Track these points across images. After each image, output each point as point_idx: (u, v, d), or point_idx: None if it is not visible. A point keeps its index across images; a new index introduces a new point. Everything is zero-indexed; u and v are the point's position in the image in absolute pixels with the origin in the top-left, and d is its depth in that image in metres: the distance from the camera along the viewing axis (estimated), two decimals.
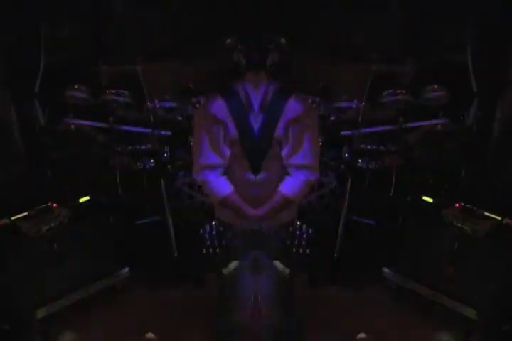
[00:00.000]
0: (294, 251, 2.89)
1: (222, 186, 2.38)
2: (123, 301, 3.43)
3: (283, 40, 3.41)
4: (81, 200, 3.25)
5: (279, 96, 2.31)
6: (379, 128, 3.37)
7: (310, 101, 3.12)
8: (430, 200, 3.19)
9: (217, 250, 2.88)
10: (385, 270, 3.47)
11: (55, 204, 3.14)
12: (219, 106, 2.30)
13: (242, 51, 3.38)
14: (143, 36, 3.23)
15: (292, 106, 2.30)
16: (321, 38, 3.23)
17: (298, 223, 2.91)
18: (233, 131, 2.30)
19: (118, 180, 3.50)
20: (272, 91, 2.32)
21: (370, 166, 3.41)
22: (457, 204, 3.08)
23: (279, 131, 2.30)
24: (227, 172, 2.42)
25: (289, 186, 2.40)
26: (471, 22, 3.06)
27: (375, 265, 3.59)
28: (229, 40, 3.38)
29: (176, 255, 3.62)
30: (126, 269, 3.49)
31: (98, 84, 3.31)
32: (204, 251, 2.97)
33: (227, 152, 2.35)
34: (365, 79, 3.25)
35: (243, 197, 2.40)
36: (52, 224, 3.04)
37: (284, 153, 2.37)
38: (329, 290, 3.46)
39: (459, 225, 3.00)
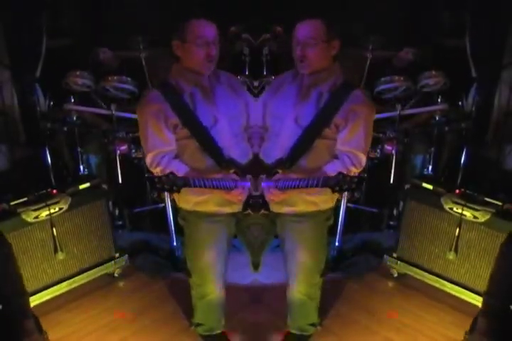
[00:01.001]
0: None
1: (177, 167, 2.35)
2: (122, 288, 3.42)
3: (279, 29, 3.44)
4: (81, 187, 3.23)
5: (347, 85, 2.35)
6: (377, 116, 3.34)
7: None
8: (430, 187, 3.16)
9: None
10: (386, 257, 3.46)
11: (54, 191, 3.11)
12: (155, 95, 2.32)
13: (246, 40, 3.44)
14: (145, 22, 3.25)
15: (357, 95, 2.32)
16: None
17: None
18: (172, 115, 2.31)
19: (118, 167, 3.50)
20: (339, 82, 2.35)
21: (369, 154, 3.41)
22: (457, 191, 3.06)
23: (340, 115, 2.30)
24: (178, 155, 2.41)
25: (334, 168, 2.35)
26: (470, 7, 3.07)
27: (375, 252, 3.61)
28: (232, 28, 3.41)
29: (174, 243, 3.61)
30: (126, 256, 3.48)
31: (100, 70, 3.33)
32: None
33: (171, 136, 2.36)
34: (363, 66, 3.27)
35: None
36: (52, 210, 3.03)
37: (339, 137, 2.36)
38: (330, 277, 3.42)
39: (460, 211, 2.99)
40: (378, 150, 3.48)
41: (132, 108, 3.40)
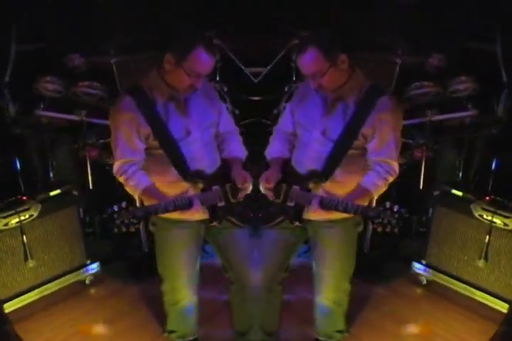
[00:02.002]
0: None
1: (139, 179, 2.37)
2: (93, 295, 3.41)
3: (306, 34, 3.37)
4: (51, 193, 3.20)
5: (373, 92, 2.32)
6: (407, 122, 3.20)
7: None
8: (460, 193, 3.15)
9: None
10: (415, 264, 3.44)
11: (24, 197, 3.08)
12: (127, 103, 2.30)
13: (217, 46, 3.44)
14: (118, 27, 3.23)
15: (383, 102, 2.30)
16: (345, 30, 3.20)
17: None
18: (145, 125, 2.31)
19: (89, 173, 3.47)
20: (365, 89, 2.33)
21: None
22: (487, 197, 3.04)
23: (366, 125, 2.30)
24: (145, 167, 2.42)
25: (370, 179, 2.37)
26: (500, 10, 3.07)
27: (404, 258, 3.58)
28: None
29: (146, 250, 3.59)
30: (97, 263, 3.46)
31: (71, 75, 3.30)
32: None
33: (141, 145, 2.36)
34: (392, 72, 3.25)
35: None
36: (22, 218, 2.99)
37: (369, 147, 2.37)
38: (358, 283, 3.35)
39: (490, 218, 2.97)
40: (408, 156, 3.40)
41: (102, 113, 3.41)
